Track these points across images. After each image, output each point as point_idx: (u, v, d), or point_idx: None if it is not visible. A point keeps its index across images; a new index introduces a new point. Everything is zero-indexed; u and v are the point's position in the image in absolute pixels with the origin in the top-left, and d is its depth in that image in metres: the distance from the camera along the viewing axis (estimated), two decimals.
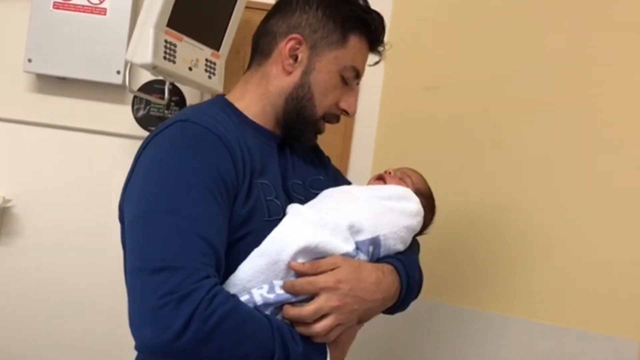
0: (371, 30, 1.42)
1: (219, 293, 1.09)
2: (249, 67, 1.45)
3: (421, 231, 1.49)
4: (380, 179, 1.49)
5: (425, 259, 1.82)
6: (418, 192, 1.45)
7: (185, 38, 1.94)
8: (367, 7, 1.44)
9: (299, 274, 1.21)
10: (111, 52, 2.16)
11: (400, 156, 2.25)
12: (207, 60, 2.03)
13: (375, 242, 1.30)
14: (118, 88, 2.17)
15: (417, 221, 1.39)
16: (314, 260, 1.22)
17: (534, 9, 2.10)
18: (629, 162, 1.93)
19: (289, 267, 1.20)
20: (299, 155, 1.48)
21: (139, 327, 1.07)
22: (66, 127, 2.24)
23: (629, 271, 1.90)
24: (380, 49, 1.48)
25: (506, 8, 2.14)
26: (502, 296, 2.04)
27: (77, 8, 2.16)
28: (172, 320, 1.04)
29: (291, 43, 1.37)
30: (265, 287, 1.19)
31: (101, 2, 2.16)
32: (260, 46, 1.43)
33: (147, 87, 2.22)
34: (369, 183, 1.51)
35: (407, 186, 1.45)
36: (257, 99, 1.40)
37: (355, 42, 1.40)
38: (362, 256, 1.28)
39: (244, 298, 1.18)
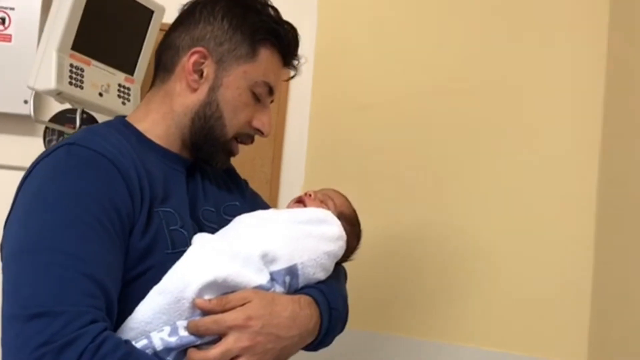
0: (283, 43, 1.31)
1: (107, 340, 0.96)
2: (152, 85, 1.33)
3: (346, 257, 1.37)
4: (300, 202, 1.36)
5: (361, 287, 1.70)
6: (341, 216, 1.33)
7: (94, 62, 1.81)
8: (278, 17, 1.32)
9: (206, 312, 1.07)
10: (18, 80, 1.99)
11: (332, 179, 2.12)
12: (120, 85, 1.90)
13: (292, 271, 1.17)
14: (27, 119, 2.01)
15: (338, 246, 1.26)
16: (223, 295, 1.09)
17: (464, 21, 2.03)
18: (580, 180, 1.86)
19: (194, 304, 1.07)
20: (212, 179, 1.35)
21: None
22: None
23: (579, 296, 1.81)
24: (295, 62, 1.36)
25: (436, 21, 2.07)
26: (452, 324, 1.92)
27: None
28: None
29: (195, 57, 1.25)
30: (167, 329, 1.06)
31: (6, 28, 2.01)
32: (163, 61, 1.30)
33: (60, 117, 2.07)
34: (288, 206, 1.38)
35: (329, 209, 1.33)
36: (160, 119, 1.27)
37: (266, 55, 1.28)
38: (278, 288, 1.16)
39: (141, 343, 1.04)
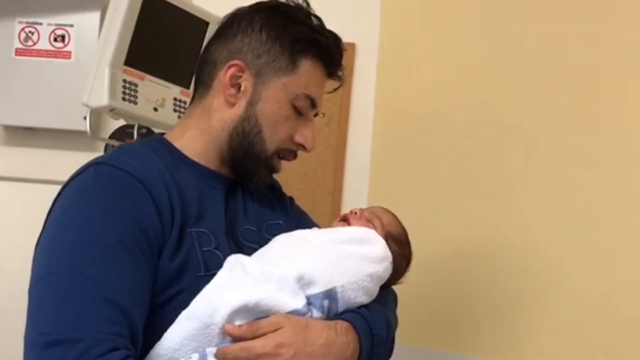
0: (325, 53, 1.24)
1: None
2: (191, 101, 1.29)
3: (395, 280, 1.29)
4: (345, 220, 1.29)
5: (427, 302, 1.60)
6: (388, 235, 1.25)
7: (148, 77, 1.80)
8: (320, 26, 1.26)
9: (236, 339, 1.02)
10: (77, 97, 2.00)
11: (397, 190, 2.07)
12: (175, 99, 1.88)
13: (330, 295, 1.10)
14: (85, 135, 2.02)
15: (383, 268, 1.18)
16: (255, 321, 1.04)
17: (536, 26, 1.90)
18: None
19: (224, 331, 1.02)
20: (254, 197, 1.30)
21: None
22: (36, 180, 2.10)
23: None
24: (340, 73, 1.30)
25: (504, 23, 1.96)
26: (510, 343, 1.81)
27: (40, 53, 2.04)
28: None
29: (232, 70, 1.20)
30: (196, 356, 1.01)
31: (65, 46, 2.04)
32: (201, 77, 1.26)
33: (120, 133, 2.08)
34: (333, 225, 1.31)
35: (375, 228, 1.25)
36: (198, 136, 1.23)
37: (307, 66, 1.22)
38: (316, 313, 1.09)
39: None
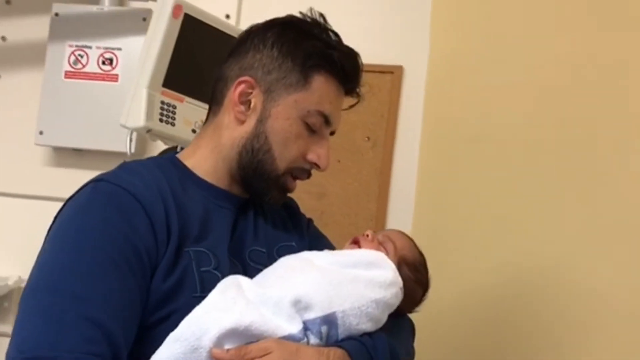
0: (338, 69, 1.19)
1: None
2: (206, 119, 1.27)
3: (410, 308, 1.22)
4: (355, 242, 1.23)
5: (463, 332, 1.53)
6: (402, 260, 1.19)
7: (187, 98, 1.79)
8: (336, 41, 1.22)
9: None
10: None
11: (442, 220, 1.99)
12: None
13: (329, 320, 1.04)
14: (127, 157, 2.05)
15: (390, 293, 1.11)
16: (244, 345, 0.99)
17: (583, 55, 1.82)
18: None
19: (211, 355, 0.98)
20: (268, 218, 1.26)
21: None
22: None
23: None
24: (358, 90, 1.25)
25: (556, 48, 1.87)
26: None
27: (88, 76, 2.08)
28: None
29: (241, 87, 1.18)
30: None
31: (113, 69, 2.06)
32: (215, 94, 1.24)
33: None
34: (344, 248, 1.25)
35: (387, 252, 1.19)
36: (208, 154, 1.21)
37: (320, 82, 1.18)
38: (313, 339, 1.03)
39: None
